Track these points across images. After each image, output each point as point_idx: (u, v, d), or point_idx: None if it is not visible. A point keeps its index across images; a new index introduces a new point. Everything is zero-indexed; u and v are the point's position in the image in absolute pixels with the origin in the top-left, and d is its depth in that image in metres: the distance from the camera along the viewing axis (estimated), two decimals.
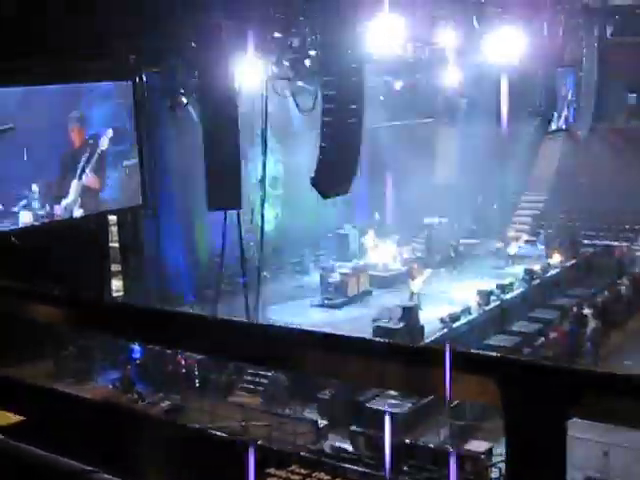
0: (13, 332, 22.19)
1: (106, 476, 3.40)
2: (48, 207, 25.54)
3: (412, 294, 31.75)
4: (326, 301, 33.10)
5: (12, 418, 5.40)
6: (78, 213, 26.40)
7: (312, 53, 28.02)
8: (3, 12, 22.62)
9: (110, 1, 24.73)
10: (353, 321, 30.36)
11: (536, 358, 26.73)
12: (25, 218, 24.82)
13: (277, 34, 27.53)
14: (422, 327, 28.53)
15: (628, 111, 46.60)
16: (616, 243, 41.81)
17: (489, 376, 3.16)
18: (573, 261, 38.47)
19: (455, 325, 29.55)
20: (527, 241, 40.85)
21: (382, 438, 20.98)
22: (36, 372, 25.97)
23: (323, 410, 25.61)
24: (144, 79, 28.01)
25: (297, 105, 28.08)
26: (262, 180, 30.15)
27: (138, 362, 28.20)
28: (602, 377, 2.95)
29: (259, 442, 18.27)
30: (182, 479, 5.20)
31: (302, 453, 18.54)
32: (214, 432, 17.36)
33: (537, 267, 35.96)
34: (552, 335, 29.81)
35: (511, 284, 33.44)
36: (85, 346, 28.14)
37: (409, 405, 24.63)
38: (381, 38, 27.97)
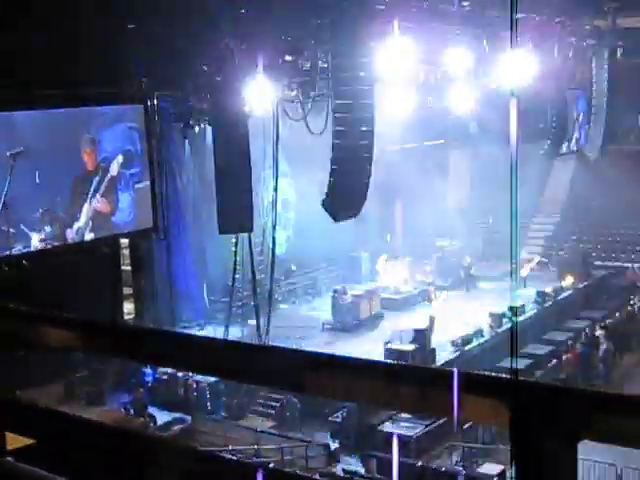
0: (25, 355, 22.23)
1: None
2: (60, 230, 25.54)
3: (431, 318, 31.56)
4: (338, 324, 33.05)
5: (23, 441, 5.40)
6: (89, 236, 26.39)
7: (323, 76, 28.11)
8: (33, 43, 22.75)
9: (123, 25, 24.87)
10: (365, 344, 30.29)
11: (548, 380, 26.62)
12: (36, 241, 24.84)
13: (288, 57, 27.63)
14: (434, 350, 28.49)
15: (639, 133, 46.58)
16: (628, 265, 41.73)
17: (501, 399, 3.14)
18: (585, 283, 38.40)
19: (467, 348, 29.51)
20: (539, 263, 40.75)
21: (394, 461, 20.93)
22: (47, 395, 25.99)
23: (335, 433, 25.55)
24: (155, 103, 28.09)
25: (308, 127, 28.09)
26: (273, 203, 30.18)
27: (150, 385, 28.18)
28: (614, 399, 2.94)
29: (271, 465, 18.24)
30: None
31: (314, 476, 18.49)
32: (226, 455, 17.33)
33: (549, 289, 35.90)
34: (565, 357, 29.73)
35: (523, 306, 33.37)
36: (97, 369, 28.14)
37: (421, 428, 24.53)
38: (392, 61, 28.07)
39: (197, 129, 29.63)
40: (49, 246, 25.27)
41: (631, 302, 35.94)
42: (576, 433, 3.12)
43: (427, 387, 3.53)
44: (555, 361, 29.71)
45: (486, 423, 20.35)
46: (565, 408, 3.11)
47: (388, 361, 22.95)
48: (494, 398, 3.27)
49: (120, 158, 26.91)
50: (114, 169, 26.75)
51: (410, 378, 3.80)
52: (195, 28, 25.49)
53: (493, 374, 3.73)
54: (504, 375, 3.55)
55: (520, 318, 32.58)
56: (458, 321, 32.15)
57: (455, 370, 3.72)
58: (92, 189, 26.35)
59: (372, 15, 26.60)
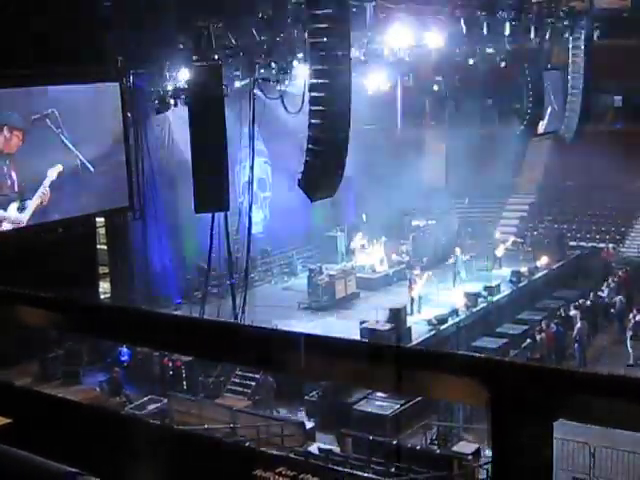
0: None
1: (93, 479, 3.40)
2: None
3: (413, 300, 31.61)
4: (314, 303, 33.11)
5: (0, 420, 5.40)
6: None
7: (300, 55, 28.04)
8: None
9: (100, 2, 24.71)
10: (340, 323, 30.36)
11: (523, 360, 26.78)
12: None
13: (265, 36, 27.52)
14: (409, 329, 28.57)
15: (614, 113, 46.76)
16: (603, 245, 41.94)
17: (476, 378, 3.16)
18: (560, 263, 38.56)
19: (442, 327, 29.61)
20: (514, 243, 40.88)
21: (369, 440, 21.02)
22: (23, 374, 25.93)
23: (311, 412, 25.63)
24: (132, 81, 27.94)
25: (284, 107, 28.04)
26: (250, 182, 30.14)
27: (125, 364, 28.13)
28: (589, 378, 2.97)
29: (247, 444, 18.29)
30: None
31: (290, 455, 18.54)
32: (202, 434, 17.35)
33: (524, 269, 36.04)
34: (539, 337, 29.86)
35: (498, 286, 33.52)
36: (72, 348, 28.08)
37: (396, 407, 24.62)
38: (369, 40, 28.07)
39: (173, 107, 29.49)
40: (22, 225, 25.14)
41: (605, 282, 36.07)
42: (552, 412, 3.15)
43: (404, 366, 3.55)
44: (529, 341, 29.84)
45: (463, 402, 20.47)
46: (541, 388, 3.14)
47: (364, 340, 23.04)
48: (471, 378, 3.30)
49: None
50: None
51: (387, 357, 3.81)
52: (172, 6, 25.35)
53: (470, 354, 3.75)
54: (480, 355, 3.56)
55: (495, 298, 32.73)
56: (433, 300, 32.28)
57: (432, 349, 3.75)
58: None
59: None
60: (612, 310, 33.32)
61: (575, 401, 3.11)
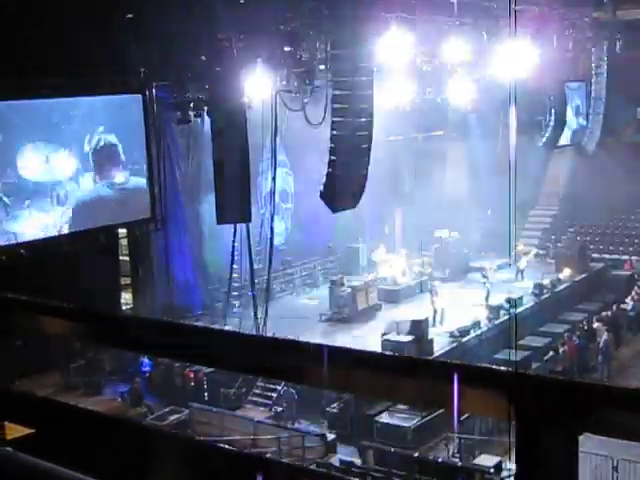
0: (23, 345, 22.23)
1: None
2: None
3: (435, 311, 31.48)
4: (335, 315, 33.06)
5: (22, 431, 5.40)
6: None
7: (322, 67, 28.08)
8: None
9: (123, 15, 24.84)
10: (362, 335, 30.30)
11: (545, 372, 26.65)
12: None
13: (286, 47, 27.58)
14: (431, 341, 28.48)
15: (637, 125, 46.56)
16: (626, 257, 41.75)
17: (499, 390, 3.14)
18: (583, 275, 38.39)
19: (464, 339, 29.52)
20: (537, 255, 40.75)
21: (391, 452, 20.96)
22: (44, 384, 26.01)
23: (332, 424, 25.58)
24: (154, 92, 28.06)
25: (307, 118, 28.08)
26: (272, 193, 30.18)
27: (147, 375, 28.20)
28: (615, 392, 2.94)
29: (268, 456, 18.25)
30: None
31: (311, 466, 18.51)
32: (223, 445, 17.34)
33: (547, 281, 35.89)
34: (562, 349, 29.73)
35: (521, 298, 33.38)
36: (94, 359, 28.16)
37: (418, 419, 24.56)
38: (391, 52, 28.07)
39: (195, 118, 29.57)
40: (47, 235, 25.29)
41: (629, 294, 35.88)
42: (577, 426, 3.12)
43: (426, 379, 3.54)
44: (552, 353, 29.70)
45: (486, 415, 20.38)
46: (566, 401, 3.11)
47: (386, 352, 23.00)
48: (494, 390, 3.27)
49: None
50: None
51: (409, 370, 3.80)
52: (194, 18, 25.44)
53: (493, 366, 3.72)
54: (503, 367, 3.54)
55: (517, 310, 32.58)
56: (456, 312, 32.16)
57: (455, 362, 3.73)
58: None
59: (371, 6, 26.55)
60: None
61: (601, 415, 3.08)
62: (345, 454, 23.31)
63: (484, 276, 34.68)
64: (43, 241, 25.21)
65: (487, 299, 33.60)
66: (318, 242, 38.36)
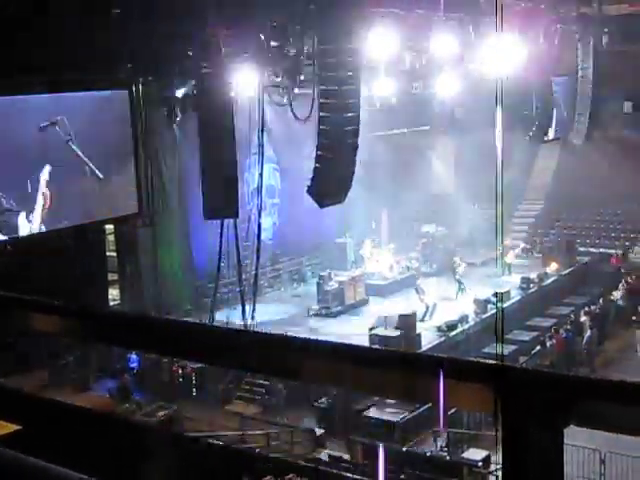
0: (10, 341, 22.18)
1: None
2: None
3: (427, 307, 31.51)
4: (323, 310, 33.08)
5: (9, 427, 5.40)
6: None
7: (309, 62, 28.05)
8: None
9: (108, 10, 24.74)
10: (350, 329, 30.32)
11: (533, 366, 26.72)
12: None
13: (273, 43, 27.55)
14: (419, 335, 28.52)
15: (624, 119, 46.68)
16: (612, 251, 41.87)
17: (486, 384, 3.14)
18: (569, 269, 38.50)
19: (452, 334, 29.58)
20: (524, 249, 40.84)
21: (379, 447, 20.98)
22: (33, 381, 25.94)
23: (320, 419, 25.60)
24: (141, 88, 28.01)
25: (294, 114, 28.05)
26: (259, 189, 30.14)
27: (135, 371, 28.16)
28: (600, 385, 2.96)
29: (256, 450, 18.29)
30: None
31: (300, 462, 18.52)
32: (211, 441, 17.35)
33: (534, 275, 35.98)
34: (549, 343, 29.81)
35: (508, 292, 33.44)
36: (82, 355, 28.09)
37: (406, 413, 24.59)
38: (378, 47, 28.07)
39: (182, 114, 29.53)
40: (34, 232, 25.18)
41: (615, 289, 36.02)
42: (563, 419, 3.14)
43: (414, 373, 3.55)
44: (539, 347, 29.77)
45: (472, 409, 20.43)
46: (552, 394, 3.13)
47: (374, 347, 23.01)
48: (481, 384, 3.29)
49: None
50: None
51: (397, 364, 3.81)
52: (180, 13, 25.37)
53: (480, 360, 3.74)
54: (490, 361, 3.55)
55: (505, 304, 32.65)
56: (443, 307, 32.20)
57: (442, 356, 3.74)
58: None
59: (358, 1, 26.53)
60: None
61: (586, 407, 3.10)
62: (333, 449, 23.32)
63: (455, 271, 34.76)
64: (29, 237, 25.12)
65: (458, 294, 33.74)
66: (305, 238, 38.34)
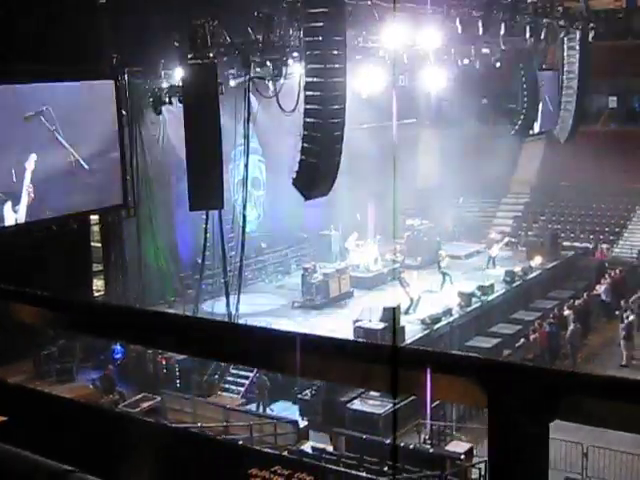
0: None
1: (88, 476, 3.39)
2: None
3: (412, 300, 31.49)
4: (307, 302, 33.09)
5: None
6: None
7: (295, 54, 28.02)
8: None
9: (96, 1, 24.69)
10: (334, 322, 30.35)
11: (517, 360, 26.81)
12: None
13: (260, 34, 27.50)
14: (403, 328, 28.56)
15: (609, 114, 46.86)
16: (596, 245, 42.04)
17: (471, 377, 3.15)
18: (554, 263, 38.63)
19: (436, 327, 29.63)
20: (508, 243, 40.95)
21: (362, 439, 21.00)
22: (16, 372, 25.88)
23: (304, 411, 25.63)
24: (127, 78, 27.94)
25: (279, 105, 28.01)
26: (244, 180, 30.10)
27: (119, 362, 28.12)
28: (586, 379, 2.97)
29: (240, 442, 18.27)
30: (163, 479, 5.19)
31: (285, 454, 18.53)
32: (195, 432, 17.32)
33: (518, 269, 36.07)
34: (532, 337, 29.92)
35: (492, 286, 33.53)
36: (66, 346, 28.03)
37: (389, 406, 24.63)
38: (364, 39, 28.05)
39: (168, 104, 29.47)
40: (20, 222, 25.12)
41: (599, 283, 36.19)
42: (549, 413, 3.15)
43: (398, 366, 3.55)
44: (523, 341, 29.90)
45: (457, 401, 20.47)
46: (538, 388, 3.13)
47: (358, 339, 23.04)
48: (465, 378, 3.29)
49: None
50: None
51: (381, 357, 3.81)
52: (166, 4, 25.33)
53: (464, 354, 3.74)
54: (475, 354, 3.56)
55: (489, 297, 32.75)
56: (427, 300, 32.25)
57: (428, 350, 3.74)
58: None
59: None
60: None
61: (572, 402, 3.11)
62: (317, 441, 23.35)
63: (439, 265, 34.83)
64: (14, 227, 25.05)
65: (443, 285, 33.81)
66: (290, 229, 38.33)
